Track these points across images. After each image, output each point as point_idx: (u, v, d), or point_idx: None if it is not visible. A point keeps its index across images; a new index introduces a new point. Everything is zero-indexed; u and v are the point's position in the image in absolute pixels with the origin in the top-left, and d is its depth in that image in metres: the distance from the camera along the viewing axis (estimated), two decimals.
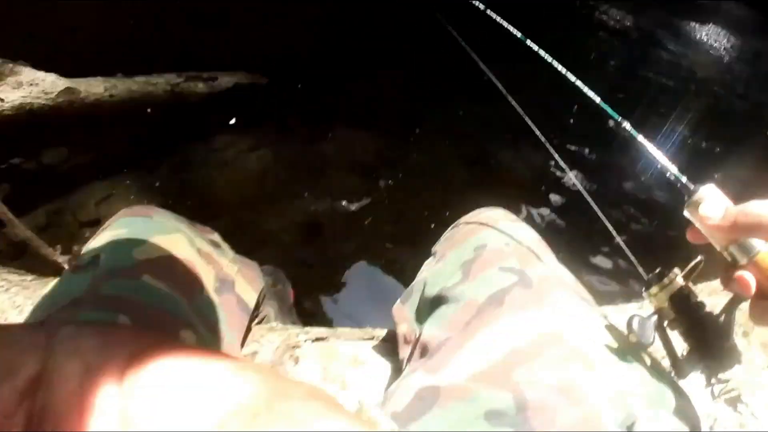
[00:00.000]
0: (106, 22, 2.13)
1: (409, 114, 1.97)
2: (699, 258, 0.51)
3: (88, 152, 1.70)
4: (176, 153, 1.75)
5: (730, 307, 0.44)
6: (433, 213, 1.64)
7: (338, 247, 1.57)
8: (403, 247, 1.56)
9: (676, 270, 0.47)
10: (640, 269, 0.56)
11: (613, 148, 1.87)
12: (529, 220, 1.66)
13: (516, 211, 1.67)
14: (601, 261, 1.56)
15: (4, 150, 1.63)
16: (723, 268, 0.42)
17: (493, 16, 0.66)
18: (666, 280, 0.46)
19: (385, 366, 0.70)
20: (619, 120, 0.53)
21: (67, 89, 1.56)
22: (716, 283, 0.66)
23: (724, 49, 2.93)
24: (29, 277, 0.89)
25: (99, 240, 0.56)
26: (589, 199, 0.65)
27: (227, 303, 0.63)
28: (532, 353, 0.45)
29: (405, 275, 1.49)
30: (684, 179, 0.45)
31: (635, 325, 0.44)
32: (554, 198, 1.75)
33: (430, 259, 0.73)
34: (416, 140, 1.87)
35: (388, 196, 1.70)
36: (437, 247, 0.72)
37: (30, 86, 1.50)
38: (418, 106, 2.00)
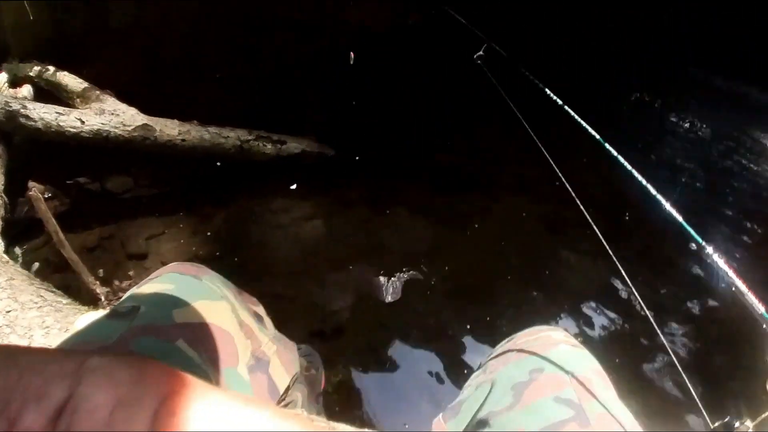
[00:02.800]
0: (191, 65, 2.25)
1: (470, 210, 1.90)
2: None
3: (151, 188, 1.70)
4: (234, 207, 1.72)
5: None
6: (479, 325, 1.51)
7: (375, 336, 1.45)
8: (443, 351, 1.43)
9: (748, 423, 0.42)
10: (704, 413, 0.51)
11: (687, 268, 1.72)
12: (583, 333, 1.50)
13: (570, 320, 1.52)
14: (659, 387, 1.38)
15: (74, 167, 1.65)
16: None
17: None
18: None
19: None
20: (702, 244, 0.54)
21: (144, 125, 1.60)
22: None
23: None
24: (64, 300, 0.88)
25: (143, 290, 0.55)
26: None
27: (257, 382, 0.61)
28: None
29: (442, 380, 1.35)
30: None
31: None
32: (611, 314, 1.58)
33: (479, 371, 0.70)
34: (473, 238, 1.78)
35: (435, 293, 1.59)
36: (489, 362, 0.68)
37: (111, 115, 1.54)
38: (481, 202, 1.94)
